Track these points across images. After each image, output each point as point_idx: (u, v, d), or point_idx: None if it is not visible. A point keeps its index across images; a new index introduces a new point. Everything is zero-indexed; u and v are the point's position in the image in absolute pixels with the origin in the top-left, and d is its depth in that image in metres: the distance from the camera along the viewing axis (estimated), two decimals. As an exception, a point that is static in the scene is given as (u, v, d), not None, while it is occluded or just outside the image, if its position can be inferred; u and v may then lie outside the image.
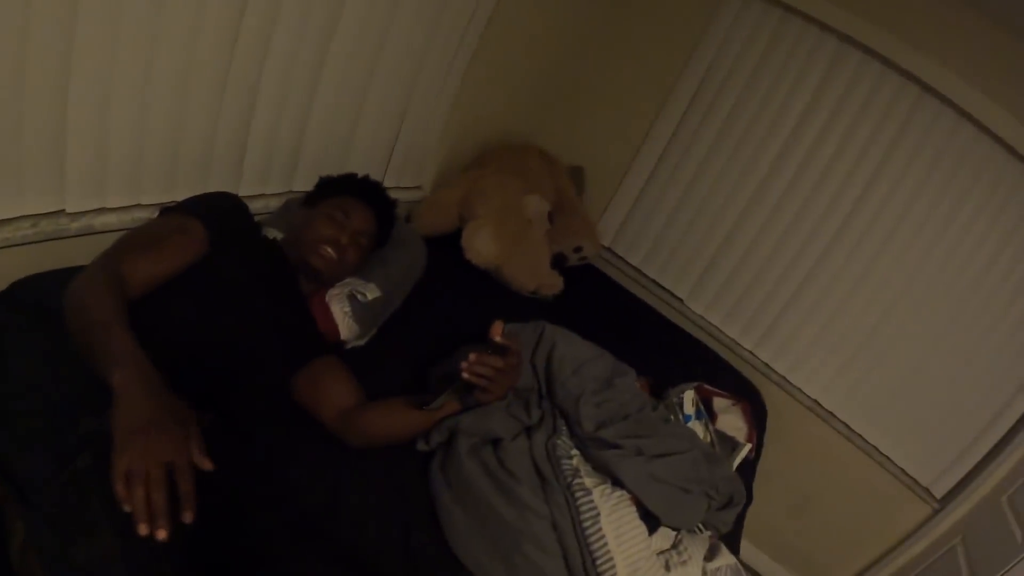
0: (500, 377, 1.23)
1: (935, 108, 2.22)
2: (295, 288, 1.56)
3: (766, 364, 2.59)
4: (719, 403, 2.05)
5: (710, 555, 1.44)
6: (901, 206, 2.32)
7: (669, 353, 2.35)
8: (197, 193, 1.61)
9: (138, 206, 1.61)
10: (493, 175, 2.36)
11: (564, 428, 1.45)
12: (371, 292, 1.71)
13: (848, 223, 2.42)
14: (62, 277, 1.31)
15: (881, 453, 2.52)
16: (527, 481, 1.33)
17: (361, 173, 1.74)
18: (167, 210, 1.43)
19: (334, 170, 1.92)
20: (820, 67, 2.38)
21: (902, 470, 2.50)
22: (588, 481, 1.35)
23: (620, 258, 2.75)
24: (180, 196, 1.61)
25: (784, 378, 2.57)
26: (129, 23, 1.33)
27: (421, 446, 1.44)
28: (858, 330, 2.47)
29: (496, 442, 1.39)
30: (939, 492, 2.46)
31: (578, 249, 2.49)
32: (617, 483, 1.39)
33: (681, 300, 2.67)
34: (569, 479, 1.34)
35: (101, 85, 1.36)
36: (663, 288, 2.69)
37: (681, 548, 1.41)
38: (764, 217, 2.54)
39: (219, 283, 1.36)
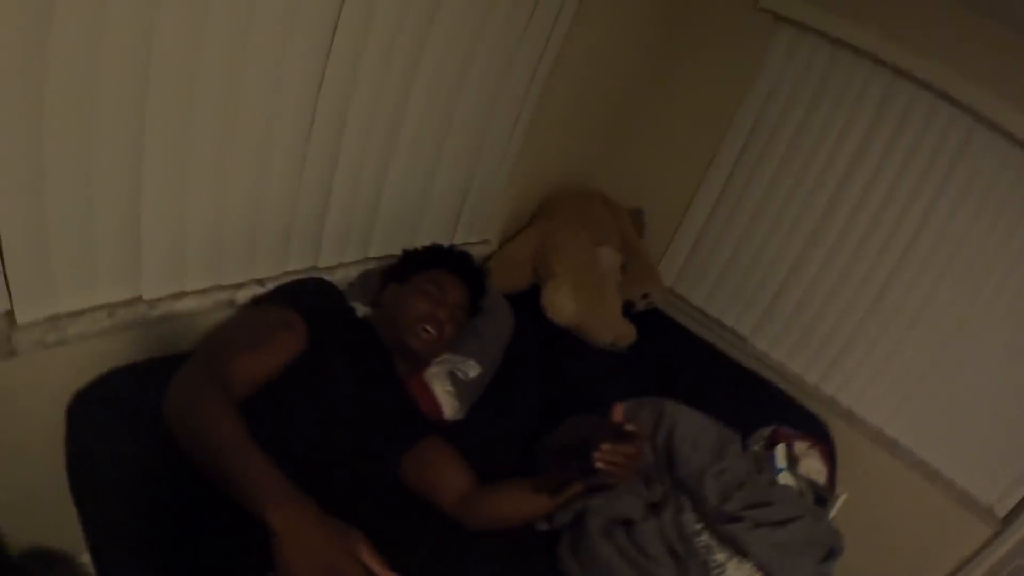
0: (630, 463, 1.26)
1: (987, 138, 2.27)
2: (392, 371, 1.55)
3: (831, 397, 2.65)
4: (799, 447, 2.13)
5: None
6: (959, 234, 2.38)
7: (736, 393, 2.42)
8: (277, 270, 1.64)
9: (218, 287, 1.58)
10: (563, 228, 2.43)
11: (688, 503, 1.52)
12: (472, 369, 1.76)
13: (908, 253, 2.47)
14: (150, 369, 1.35)
15: (943, 477, 2.58)
16: (664, 562, 1.40)
17: (433, 232, 1.77)
18: (261, 300, 1.43)
19: (408, 234, 1.97)
20: (873, 99, 2.43)
21: (964, 492, 2.56)
22: (721, 556, 1.43)
23: (682, 299, 2.82)
24: (260, 274, 1.65)
25: (849, 410, 2.63)
26: (204, 102, 1.30)
27: (542, 526, 1.50)
28: (920, 356, 2.51)
29: (627, 523, 1.46)
30: (1001, 512, 2.53)
31: (646, 295, 2.56)
32: (741, 553, 1.46)
33: (744, 339, 2.73)
34: (703, 556, 1.42)
35: (176, 166, 1.33)
36: (725, 327, 2.76)
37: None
38: (825, 251, 2.59)
39: (322, 380, 1.32)
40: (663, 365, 2.34)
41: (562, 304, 2.21)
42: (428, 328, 1.55)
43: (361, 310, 1.66)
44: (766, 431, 2.13)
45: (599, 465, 1.21)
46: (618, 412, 1.29)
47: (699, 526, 1.47)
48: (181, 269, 1.48)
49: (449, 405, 1.69)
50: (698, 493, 1.50)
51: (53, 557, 1.49)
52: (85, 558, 1.28)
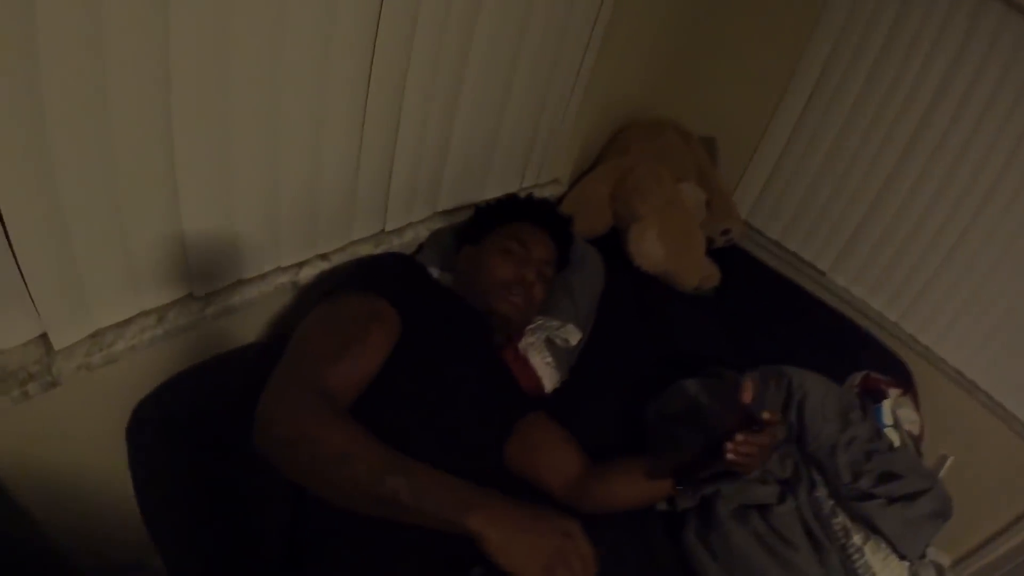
0: (764, 455, 1.17)
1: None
2: (490, 343, 1.42)
3: (911, 336, 2.55)
4: (895, 397, 2.05)
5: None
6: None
7: (821, 333, 2.33)
8: (341, 241, 1.49)
9: (278, 270, 1.43)
10: (640, 164, 2.28)
11: (819, 479, 1.45)
12: (572, 335, 1.64)
13: (996, 186, 2.32)
14: (211, 369, 1.20)
15: (1022, 422, 2.52)
16: (802, 547, 1.33)
17: (503, 177, 1.59)
18: (338, 289, 1.19)
19: (477, 182, 1.81)
20: (960, 25, 2.22)
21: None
22: (857, 539, 1.36)
23: (758, 232, 2.68)
24: (323, 248, 1.50)
25: (928, 348, 2.54)
26: (245, 70, 1.09)
27: (662, 507, 1.44)
28: (1005, 297, 2.42)
29: (761, 505, 1.39)
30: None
31: (726, 232, 2.42)
32: (876, 533, 1.40)
33: (823, 273, 2.61)
34: (841, 540, 1.35)
35: (218, 140, 1.13)
36: (803, 261, 2.63)
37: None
38: (910, 182, 2.43)
39: (425, 367, 1.18)
40: (748, 306, 2.25)
41: (651, 249, 2.09)
42: (517, 291, 1.42)
43: (437, 275, 1.54)
44: (857, 377, 2.05)
45: (731, 456, 1.12)
46: (748, 391, 1.18)
47: (831, 503, 1.40)
48: (234, 256, 1.31)
49: (550, 378, 1.57)
50: (829, 468, 1.43)
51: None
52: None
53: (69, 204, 0.99)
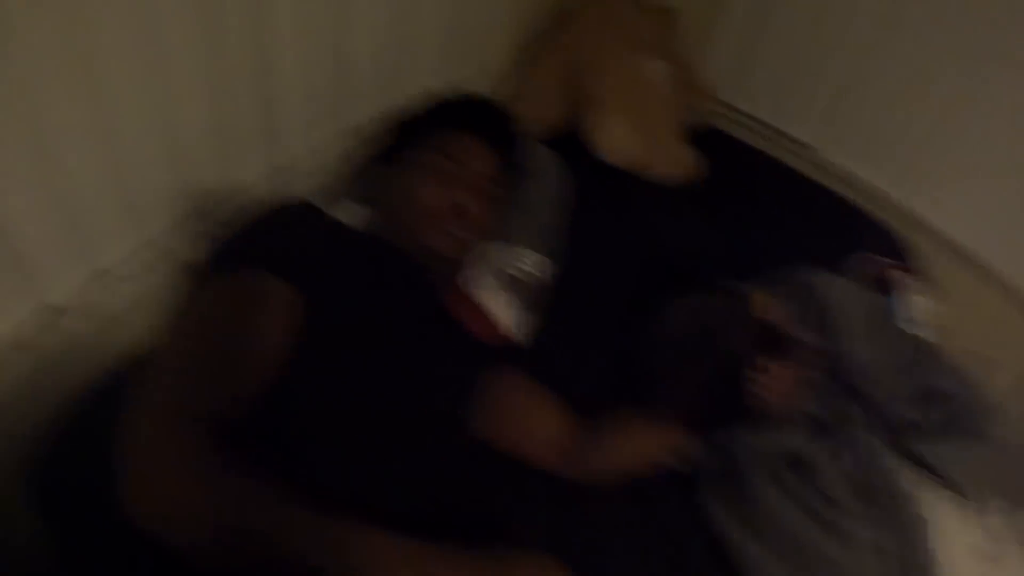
0: (798, 387, 0.95)
1: None
2: (431, 293, 1.14)
3: (911, 211, 2.27)
4: (902, 280, 1.77)
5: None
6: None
7: (815, 214, 2.04)
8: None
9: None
10: (592, 40, 1.90)
11: (860, 413, 1.17)
12: (528, 260, 1.33)
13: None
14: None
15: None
16: (856, 512, 1.07)
17: (424, 78, 1.33)
18: (212, 270, 0.91)
19: (392, 86, 1.47)
20: None
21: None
22: (909, 486, 1.10)
23: (731, 107, 2.33)
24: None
25: (923, 221, 2.26)
26: None
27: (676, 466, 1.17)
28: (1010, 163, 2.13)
29: (795, 459, 1.11)
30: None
31: (697, 110, 2.08)
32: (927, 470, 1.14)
33: (806, 146, 2.27)
34: (893, 492, 1.09)
35: None
36: (784, 135, 2.30)
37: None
38: (898, 35, 2.10)
39: (350, 343, 0.94)
40: (735, 194, 1.93)
41: (619, 136, 1.74)
42: (450, 220, 1.11)
43: (355, 215, 1.23)
44: (866, 266, 1.77)
45: (753, 388, 0.89)
46: (760, 303, 0.94)
47: (886, 451, 1.13)
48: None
49: (507, 317, 1.27)
50: (877, 402, 1.15)
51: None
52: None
53: None
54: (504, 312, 1.25)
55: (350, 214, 1.21)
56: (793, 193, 2.08)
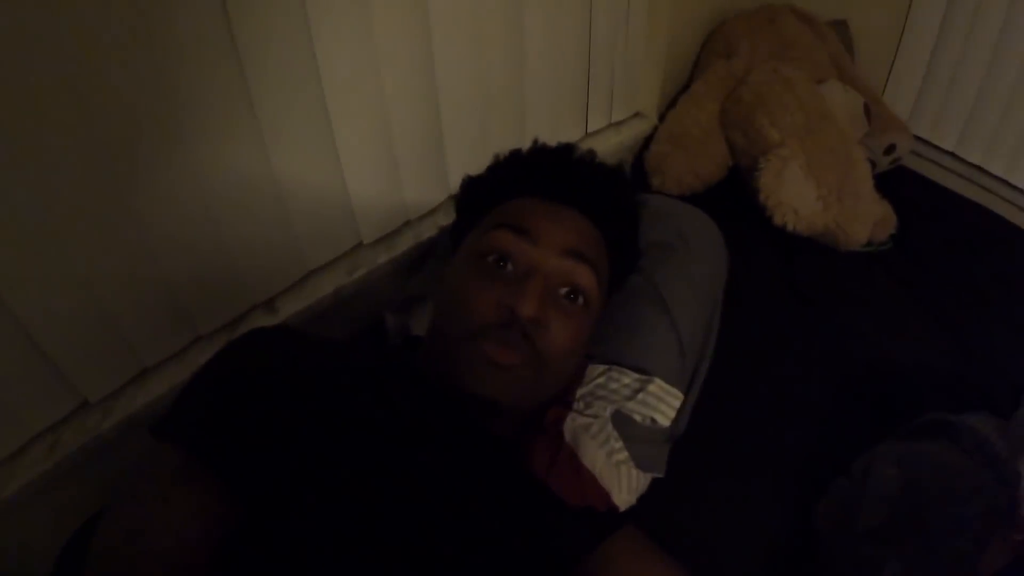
0: None
1: None
2: (481, 441, 0.76)
3: None
4: None
5: None
6: None
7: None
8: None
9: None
10: (762, 66, 1.56)
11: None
12: (662, 405, 0.96)
13: None
14: None
15: None
16: None
17: (547, 127, 0.99)
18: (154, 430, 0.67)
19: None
20: None
21: None
22: None
23: (926, 143, 1.90)
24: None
25: None
26: None
27: None
28: None
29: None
30: None
31: (890, 149, 1.66)
32: None
33: (1021, 191, 1.83)
34: None
35: None
36: (993, 176, 1.85)
37: None
38: None
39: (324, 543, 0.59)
40: (940, 259, 1.50)
41: (798, 193, 1.36)
42: (493, 337, 0.73)
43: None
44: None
45: None
46: None
47: None
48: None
49: (627, 486, 0.91)
50: None
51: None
52: None
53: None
54: (614, 475, 0.89)
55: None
56: (1000, 246, 1.60)
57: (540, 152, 0.93)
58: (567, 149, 0.92)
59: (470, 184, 0.95)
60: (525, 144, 0.96)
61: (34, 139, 0.71)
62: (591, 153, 0.93)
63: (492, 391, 0.72)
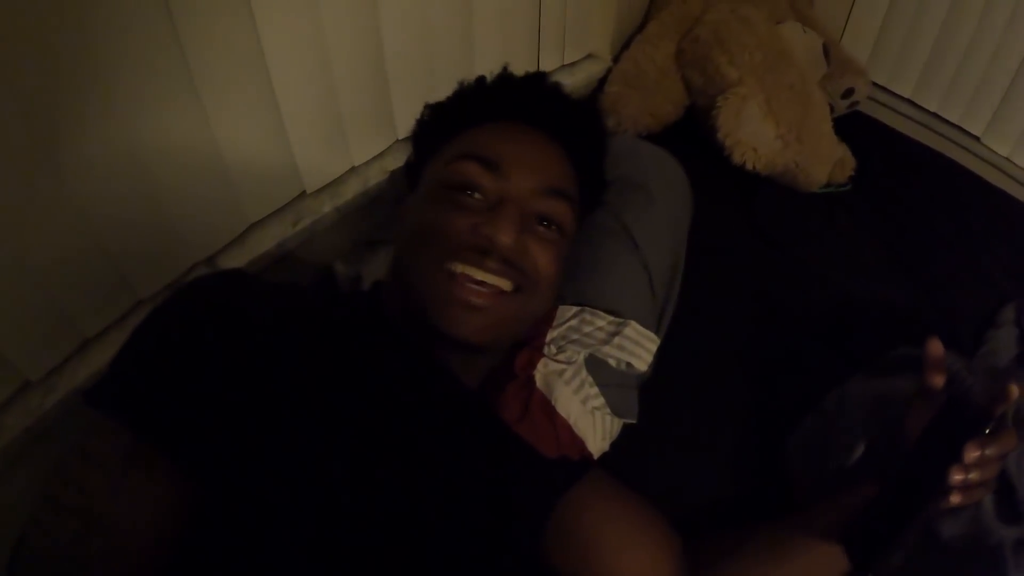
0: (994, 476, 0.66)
1: None
2: (461, 395, 0.75)
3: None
4: None
5: None
6: None
7: (998, 229, 1.56)
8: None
9: None
10: (719, 5, 1.51)
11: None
12: (639, 348, 0.92)
13: None
14: None
15: None
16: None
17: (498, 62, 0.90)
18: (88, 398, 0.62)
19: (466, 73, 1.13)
20: None
21: None
22: None
23: (884, 90, 1.87)
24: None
25: None
26: None
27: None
28: None
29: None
30: None
31: (848, 92, 1.63)
32: None
33: (976, 138, 1.82)
34: None
35: None
36: (947, 123, 1.83)
37: None
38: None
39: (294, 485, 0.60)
40: (899, 203, 1.48)
41: (756, 131, 1.32)
42: (467, 284, 0.70)
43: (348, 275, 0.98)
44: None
45: (957, 499, 0.62)
46: (935, 354, 0.68)
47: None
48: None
49: (600, 431, 0.88)
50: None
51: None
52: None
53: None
54: (589, 426, 0.85)
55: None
56: (957, 196, 1.58)
57: (509, 77, 0.88)
58: (538, 75, 0.89)
59: (432, 111, 0.89)
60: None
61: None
62: (542, 76, 0.90)
63: (467, 332, 0.69)
